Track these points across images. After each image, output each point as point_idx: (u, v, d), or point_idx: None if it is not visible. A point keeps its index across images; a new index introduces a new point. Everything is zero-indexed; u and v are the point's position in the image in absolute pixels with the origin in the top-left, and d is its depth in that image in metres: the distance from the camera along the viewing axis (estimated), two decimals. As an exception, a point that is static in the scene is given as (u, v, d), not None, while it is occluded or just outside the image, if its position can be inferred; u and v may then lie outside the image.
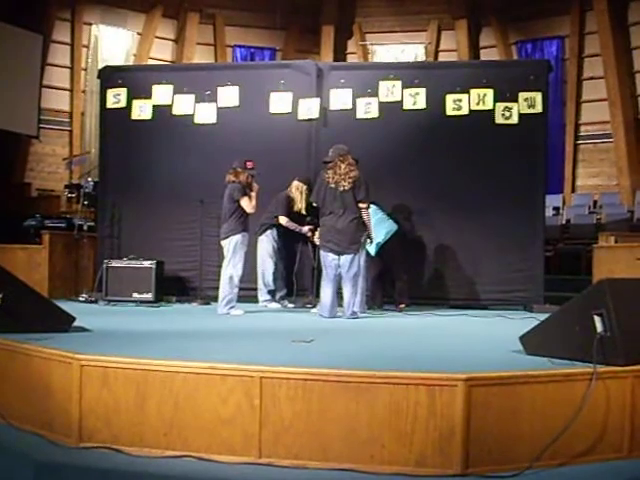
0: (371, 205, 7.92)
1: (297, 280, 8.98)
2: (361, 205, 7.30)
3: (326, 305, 7.36)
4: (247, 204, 7.68)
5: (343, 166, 7.31)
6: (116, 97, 9.56)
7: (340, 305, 7.48)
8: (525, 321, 6.35)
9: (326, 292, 7.38)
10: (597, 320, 3.80)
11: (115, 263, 8.86)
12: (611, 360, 3.72)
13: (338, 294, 7.50)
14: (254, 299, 8.67)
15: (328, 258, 7.36)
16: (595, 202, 15.45)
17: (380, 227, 8.11)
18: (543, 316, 4.65)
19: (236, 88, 9.26)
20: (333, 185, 7.29)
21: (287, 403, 3.52)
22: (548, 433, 3.47)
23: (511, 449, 3.46)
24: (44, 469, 3.55)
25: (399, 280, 8.40)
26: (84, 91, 16.34)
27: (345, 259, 7.29)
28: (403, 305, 8.30)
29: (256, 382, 3.55)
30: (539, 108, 8.80)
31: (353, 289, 7.31)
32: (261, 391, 3.54)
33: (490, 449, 3.42)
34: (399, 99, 9.02)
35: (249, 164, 7.97)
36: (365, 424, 3.45)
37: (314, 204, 7.60)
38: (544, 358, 4.05)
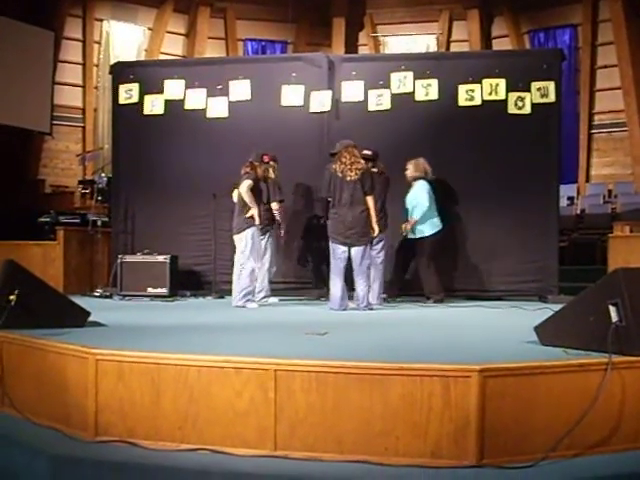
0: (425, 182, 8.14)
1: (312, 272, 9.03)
2: (368, 198, 7.31)
3: (336, 298, 7.34)
4: (244, 189, 7.54)
5: (348, 156, 7.34)
6: (128, 92, 9.58)
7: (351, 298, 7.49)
8: (540, 312, 6.33)
9: (336, 285, 7.35)
10: (612, 310, 3.77)
11: (129, 258, 8.90)
12: (626, 350, 3.70)
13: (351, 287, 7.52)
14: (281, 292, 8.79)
15: (338, 250, 7.35)
16: (610, 191, 15.35)
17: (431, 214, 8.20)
18: (558, 306, 4.63)
19: (247, 82, 9.25)
20: (340, 175, 7.31)
21: (301, 395, 3.52)
22: (563, 424, 3.46)
23: (526, 440, 3.44)
24: (61, 463, 3.57)
25: (425, 273, 8.35)
26: (96, 87, 16.40)
27: (356, 251, 7.29)
28: (432, 299, 8.26)
29: (270, 375, 3.55)
30: (552, 97, 8.75)
31: (367, 281, 7.32)
32: (275, 384, 3.54)
33: (505, 440, 3.41)
34: (411, 90, 8.98)
35: (266, 158, 7.97)
36: (379, 416, 3.45)
37: (325, 196, 7.53)
38: (559, 348, 4.03)
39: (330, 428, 3.48)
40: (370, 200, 7.33)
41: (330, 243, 7.45)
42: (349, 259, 7.38)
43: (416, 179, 8.33)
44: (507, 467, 3.32)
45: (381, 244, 8.03)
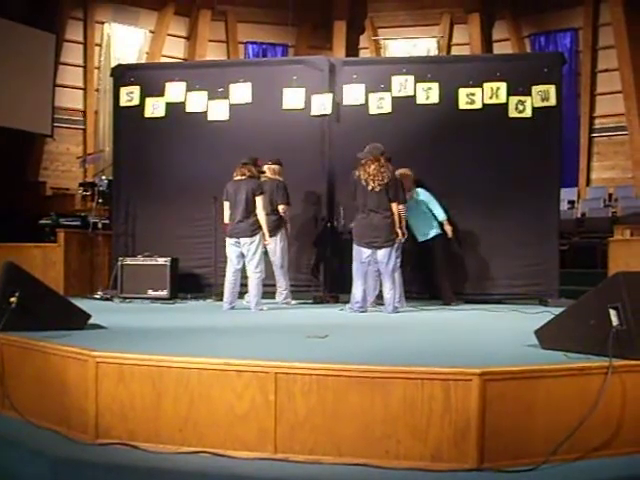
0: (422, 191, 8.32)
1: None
2: (393, 205, 7.38)
3: (356, 300, 7.46)
4: (260, 204, 7.63)
5: (373, 166, 7.39)
6: (129, 95, 9.58)
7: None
8: (540, 315, 6.32)
9: (357, 287, 7.48)
10: (612, 314, 3.77)
11: (130, 260, 8.90)
12: (627, 354, 3.70)
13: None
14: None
15: (363, 255, 7.44)
16: (610, 195, 15.35)
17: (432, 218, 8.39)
18: (558, 310, 4.63)
19: (249, 85, 9.25)
20: (364, 184, 7.38)
21: (302, 398, 3.52)
22: (564, 427, 3.45)
23: (527, 443, 3.44)
24: (61, 465, 3.57)
25: (442, 279, 8.50)
26: (97, 90, 16.41)
27: (382, 254, 7.37)
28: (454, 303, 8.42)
29: (271, 378, 3.55)
30: (553, 101, 8.74)
31: (393, 284, 7.43)
32: (276, 387, 3.54)
33: (506, 443, 3.41)
34: (412, 94, 8.98)
35: (259, 162, 8.00)
36: (380, 419, 3.45)
37: (355, 204, 7.60)
38: (559, 352, 4.03)
39: (330, 431, 3.48)
40: (394, 206, 7.41)
41: (354, 246, 7.54)
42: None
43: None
44: (507, 471, 3.32)
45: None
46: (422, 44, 17.42)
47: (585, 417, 3.46)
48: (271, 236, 7.95)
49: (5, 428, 4.12)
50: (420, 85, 8.97)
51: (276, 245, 8.24)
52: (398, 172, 7.95)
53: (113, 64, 13.29)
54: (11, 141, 14.18)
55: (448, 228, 8.36)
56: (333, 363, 3.63)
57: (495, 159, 8.80)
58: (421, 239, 8.44)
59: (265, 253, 8.01)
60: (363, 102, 9.07)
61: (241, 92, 9.28)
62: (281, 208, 8.28)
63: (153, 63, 15.34)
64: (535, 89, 8.75)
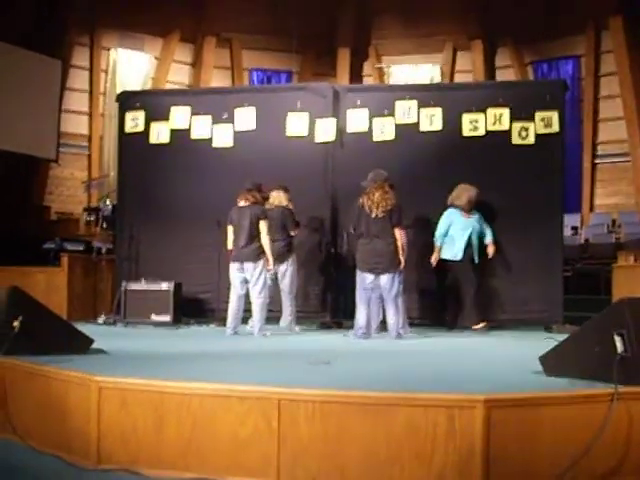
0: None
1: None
2: (395, 230, 7.39)
3: (360, 326, 7.45)
4: (264, 229, 7.65)
5: (377, 194, 7.42)
6: (134, 121, 9.63)
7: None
8: (544, 341, 6.29)
9: (360, 312, 7.48)
10: (617, 340, 3.76)
11: (133, 285, 8.89)
12: (632, 380, 3.67)
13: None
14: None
15: (366, 280, 7.44)
16: (614, 221, 15.32)
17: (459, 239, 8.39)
18: (562, 336, 4.61)
19: (253, 109, 9.28)
20: (368, 210, 7.41)
21: (305, 425, 3.50)
22: (569, 455, 3.42)
23: (532, 471, 3.41)
24: (62, 491, 3.55)
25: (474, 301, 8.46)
26: (103, 115, 16.48)
27: (386, 280, 7.37)
28: (483, 324, 8.30)
29: (274, 404, 3.53)
30: (556, 128, 8.77)
31: (396, 309, 7.40)
32: (279, 413, 3.52)
33: (510, 471, 3.38)
34: (415, 120, 9.00)
35: (263, 188, 8.04)
36: (384, 446, 3.42)
37: (355, 233, 7.64)
38: (564, 379, 4.01)
39: (334, 458, 3.46)
40: (397, 232, 7.43)
41: (357, 273, 7.55)
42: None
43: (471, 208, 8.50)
44: (512, 499, 3.29)
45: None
46: (425, 71, 17.52)
47: (591, 444, 3.43)
48: (282, 261, 7.98)
49: (7, 453, 4.10)
50: (423, 111, 8.99)
51: (287, 269, 8.24)
52: (467, 189, 8.28)
53: (118, 90, 13.36)
54: (16, 165, 14.26)
55: (491, 249, 8.46)
56: (336, 389, 3.62)
57: (498, 186, 8.77)
58: (477, 260, 8.46)
59: (275, 279, 8.03)
60: (367, 129, 9.07)
61: (246, 117, 9.31)
62: (293, 233, 8.34)
63: (158, 89, 15.44)
64: (538, 115, 8.77)
